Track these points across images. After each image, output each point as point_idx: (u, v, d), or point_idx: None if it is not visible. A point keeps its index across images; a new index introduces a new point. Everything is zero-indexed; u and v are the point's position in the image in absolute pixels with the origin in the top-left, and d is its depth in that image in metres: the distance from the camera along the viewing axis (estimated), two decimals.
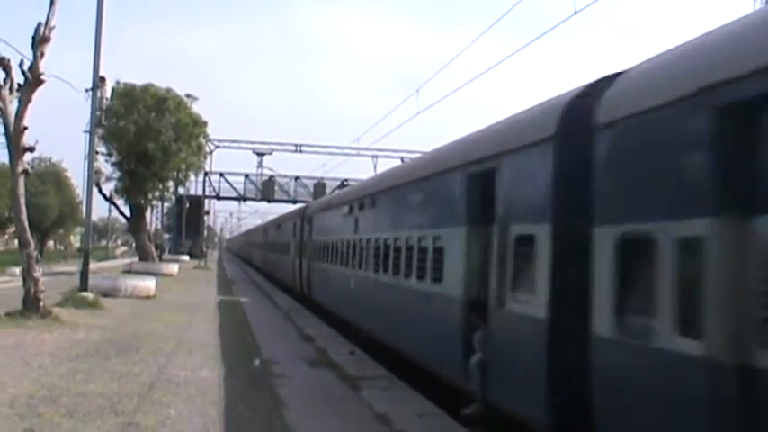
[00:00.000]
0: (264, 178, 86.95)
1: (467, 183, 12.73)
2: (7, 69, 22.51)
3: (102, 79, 30.92)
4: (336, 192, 48.51)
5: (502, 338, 10.77)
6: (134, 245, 78.33)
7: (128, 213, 62.44)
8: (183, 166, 61.25)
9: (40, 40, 22.49)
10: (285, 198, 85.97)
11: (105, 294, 30.31)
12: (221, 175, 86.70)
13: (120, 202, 62.89)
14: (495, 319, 10.94)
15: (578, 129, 8.88)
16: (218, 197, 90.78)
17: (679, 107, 6.94)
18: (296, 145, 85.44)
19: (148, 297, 33.20)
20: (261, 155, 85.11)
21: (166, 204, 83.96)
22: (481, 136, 13.31)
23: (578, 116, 8.98)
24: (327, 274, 27.47)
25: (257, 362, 17.71)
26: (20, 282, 23.53)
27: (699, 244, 6.51)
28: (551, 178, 9.52)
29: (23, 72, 22.50)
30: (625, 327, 7.55)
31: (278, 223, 53.22)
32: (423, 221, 15.69)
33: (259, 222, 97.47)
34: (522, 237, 10.13)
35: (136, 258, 65.40)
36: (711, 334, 6.26)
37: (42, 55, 22.55)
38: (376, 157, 78.75)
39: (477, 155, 12.50)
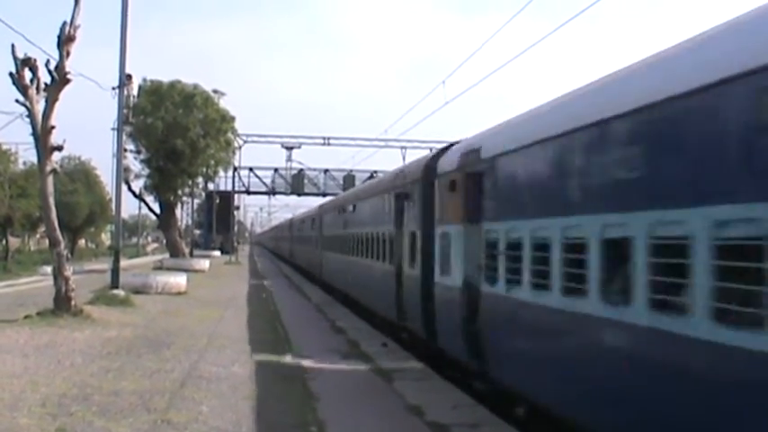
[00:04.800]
0: (294, 172, 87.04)
1: (394, 200, 20.48)
2: (34, 69, 22.51)
3: (129, 77, 30.93)
4: (336, 196, 51.15)
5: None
6: (165, 241, 78.69)
7: (158, 210, 62.72)
8: (212, 162, 61.30)
9: (65, 40, 22.48)
10: (315, 191, 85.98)
11: (136, 291, 30.47)
12: (251, 169, 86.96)
13: (149, 198, 63.27)
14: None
15: (431, 175, 16.95)
16: (247, 192, 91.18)
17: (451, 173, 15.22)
18: (324, 138, 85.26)
19: (180, 293, 33.37)
20: (289, 148, 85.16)
21: (196, 200, 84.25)
22: (399, 171, 22.75)
23: (430, 169, 17.14)
24: (331, 259, 36.15)
25: (288, 356, 17.66)
26: (51, 281, 23.64)
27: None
28: (421, 201, 17.83)
29: (50, 71, 22.49)
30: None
31: (300, 221, 63.17)
32: (372, 223, 24.67)
33: (289, 216, 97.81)
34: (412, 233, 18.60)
35: (167, 255, 65.73)
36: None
37: (68, 54, 22.54)
38: (404, 148, 78.55)
39: (398, 183, 20.99)
